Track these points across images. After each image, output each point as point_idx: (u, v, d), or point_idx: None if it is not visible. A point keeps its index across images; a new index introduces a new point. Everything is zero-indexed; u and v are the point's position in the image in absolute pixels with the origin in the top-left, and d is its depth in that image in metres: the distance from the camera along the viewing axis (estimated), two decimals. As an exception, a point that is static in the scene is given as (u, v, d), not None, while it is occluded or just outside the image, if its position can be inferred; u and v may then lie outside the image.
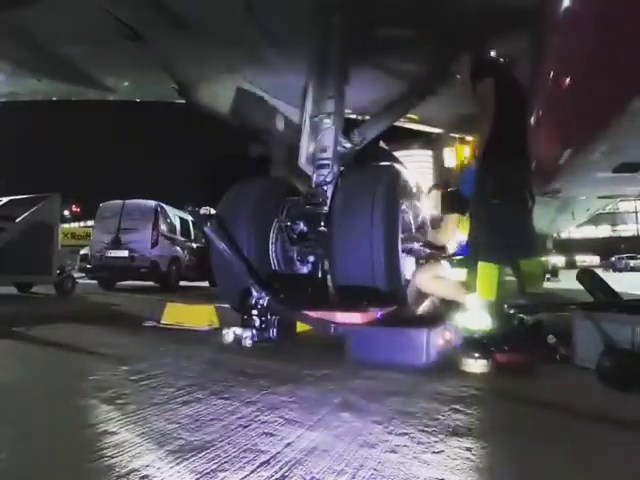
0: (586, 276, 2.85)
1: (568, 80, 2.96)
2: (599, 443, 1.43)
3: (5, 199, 7.50)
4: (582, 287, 2.86)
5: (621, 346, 2.07)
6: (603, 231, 46.64)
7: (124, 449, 1.32)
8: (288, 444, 1.37)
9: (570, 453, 1.36)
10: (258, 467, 1.22)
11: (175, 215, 10.34)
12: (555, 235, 16.09)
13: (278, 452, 1.32)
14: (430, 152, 9.85)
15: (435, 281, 3.11)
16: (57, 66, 5.17)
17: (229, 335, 2.96)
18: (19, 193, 7.88)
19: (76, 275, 8.70)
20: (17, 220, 6.88)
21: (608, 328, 2.15)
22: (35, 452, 1.33)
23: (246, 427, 1.51)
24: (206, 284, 10.33)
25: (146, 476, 1.16)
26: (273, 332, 2.92)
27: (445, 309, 3.14)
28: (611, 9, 2.27)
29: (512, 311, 2.52)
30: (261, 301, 2.94)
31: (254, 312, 2.92)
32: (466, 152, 8.69)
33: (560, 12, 2.60)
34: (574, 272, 3.20)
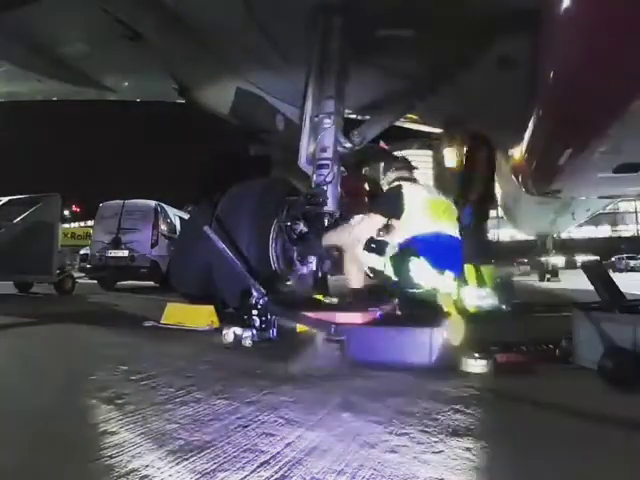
0: (592, 267, 2.82)
1: (568, 80, 2.96)
2: (600, 444, 1.43)
3: (5, 199, 7.50)
4: (586, 278, 2.82)
5: (623, 346, 2.06)
6: (603, 231, 46.62)
7: (124, 449, 1.32)
8: (288, 444, 1.37)
9: (571, 454, 1.36)
10: (258, 467, 1.22)
11: (175, 215, 10.34)
12: (555, 235, 16.08)
13: (278, 452, 1.32)
14: (430, 152, 9.83)
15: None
16: (57, 66, 5.18)
17: (229, 335, 2.96)
18: (19, 193, 7.88)
19: (76, 275, 8.71)
20: (16, 220, 6.89)
21: (609, 328, 2.15)
22: (35, 452, 1.33)
23: (246, 427, 1.51)
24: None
25: (146, 476, 1.16)
26: (273, 332, 2.92)
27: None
28: (611, 9, 2.27)
29: None
30: (261, 301, 2.94)
31: (254, 312, 2.92)
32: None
33: (560, 12, 2.59)
34: (574, 272, 3.19)
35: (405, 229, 3.07)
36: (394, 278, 3.02)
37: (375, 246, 3.05)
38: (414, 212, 3.08)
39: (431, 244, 3.00)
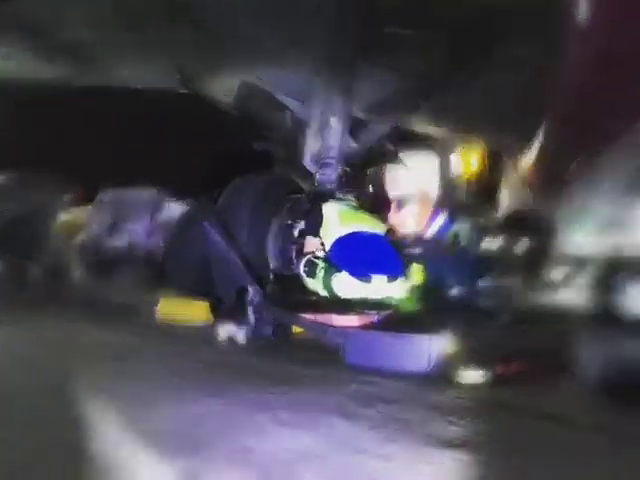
0: None
1: (573, 81, 2.95)
2: (599, 456, 1.41)
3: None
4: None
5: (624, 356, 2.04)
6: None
7: (119, 449, 1.32)
8: (282, 447, 1.36)
9: (569, 466, 1.34)
10: (250, 469, 1.21)
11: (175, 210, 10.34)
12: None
13: (271, 454, 1.31)
14: (434, 154, 9.84)
15: None
16: (58, 52, 5.14)
17: (224, 332, 2.94)
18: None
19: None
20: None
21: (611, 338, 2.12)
22: (33, 452, 1.32)
23: (240, 428, 1.50)
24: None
25: (141, 476, 1.16)
26: (269, 330, 2.90)
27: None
28: (615, 14, 2.25)
29: None
30: (257, 299, 2.92)
31: (250, 309, 2.90)
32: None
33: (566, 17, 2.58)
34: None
35: (326, 241, 3.17)
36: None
37: (307, 269, 3.13)
38: (329, 223, 3.21)
39: (349, 246, 3.04)
